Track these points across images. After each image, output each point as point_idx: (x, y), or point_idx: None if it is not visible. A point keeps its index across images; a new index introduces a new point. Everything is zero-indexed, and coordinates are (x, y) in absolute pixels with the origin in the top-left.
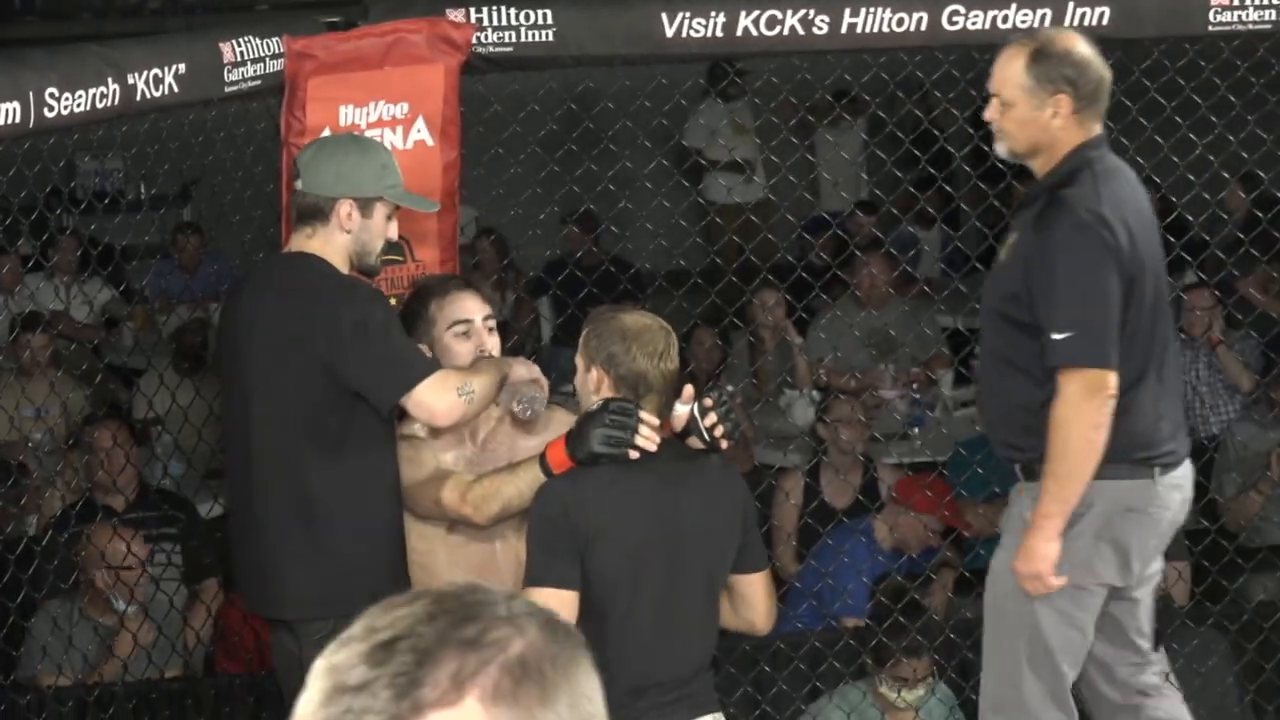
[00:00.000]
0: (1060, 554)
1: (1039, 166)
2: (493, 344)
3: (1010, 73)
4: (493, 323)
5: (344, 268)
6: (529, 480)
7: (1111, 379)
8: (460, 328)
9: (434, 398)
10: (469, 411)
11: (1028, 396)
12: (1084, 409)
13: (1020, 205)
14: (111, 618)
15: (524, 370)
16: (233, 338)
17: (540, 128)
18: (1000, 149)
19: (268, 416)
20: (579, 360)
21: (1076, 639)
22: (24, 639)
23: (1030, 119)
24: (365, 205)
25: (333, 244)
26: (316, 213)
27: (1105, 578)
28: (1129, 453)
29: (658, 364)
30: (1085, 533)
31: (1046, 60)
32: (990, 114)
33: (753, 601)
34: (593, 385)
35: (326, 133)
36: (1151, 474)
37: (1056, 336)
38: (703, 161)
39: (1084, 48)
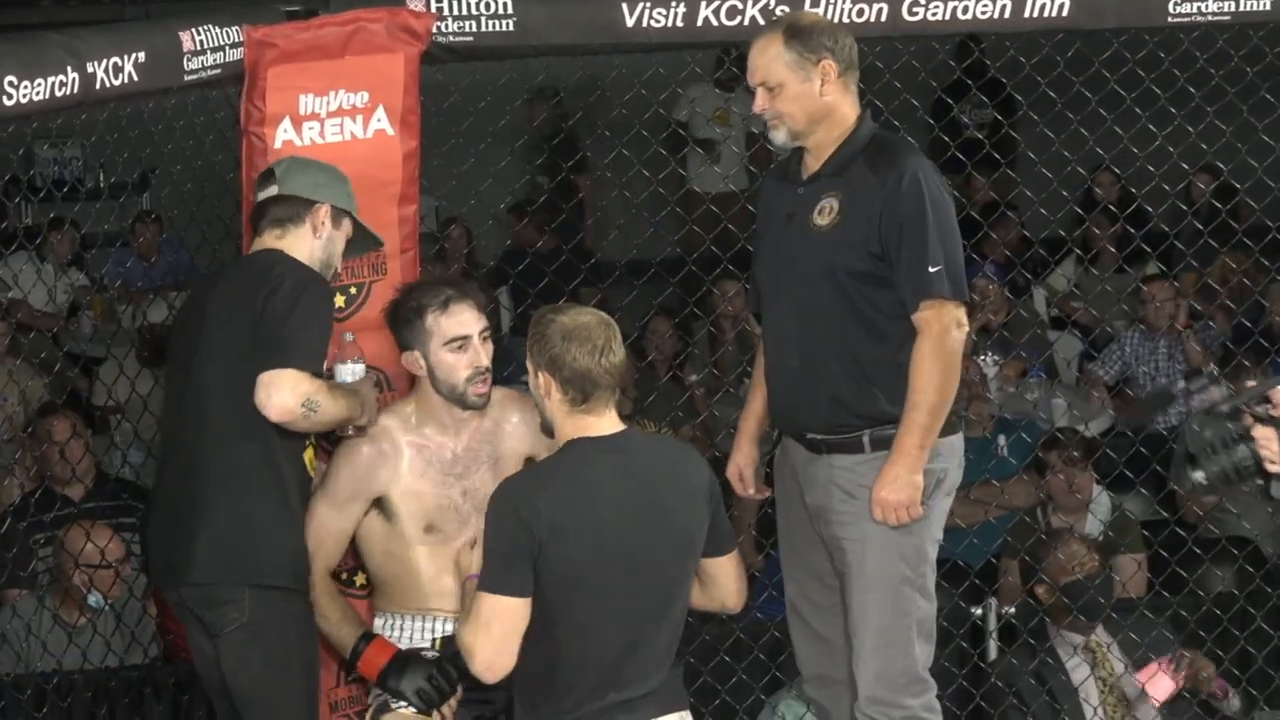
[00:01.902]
0: (934, 514)
1: (819, 140)
2: (486, 354)
3: (770, 57)
4: (487, 333)
5: None
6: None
7: (965, 315)
8: (457, 343)
9: (281, 391)
10: (300, 424)
11: (875, 351)
12: (958, 340)
13: (825, 175)
14: (74, 614)
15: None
16: (190, 318)
17: (500, 117)
18: (778, 136)
19: (206, 381)
20: (529, 365)
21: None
22: None
23: (802, 92)
24: (337, 216)
25: (302, 246)
26: (293, 215)
27: (945, 523)
28: (961, 408)
29: (599, 360)
30: (941, 488)
31: (802, 34)
32: (760, 104)
33: (723, 583)
34: (542, 389)
35: (287, 122)
36: (963, 425)
37: (933, 269)
38: (681, 131)
39: (826, 19)
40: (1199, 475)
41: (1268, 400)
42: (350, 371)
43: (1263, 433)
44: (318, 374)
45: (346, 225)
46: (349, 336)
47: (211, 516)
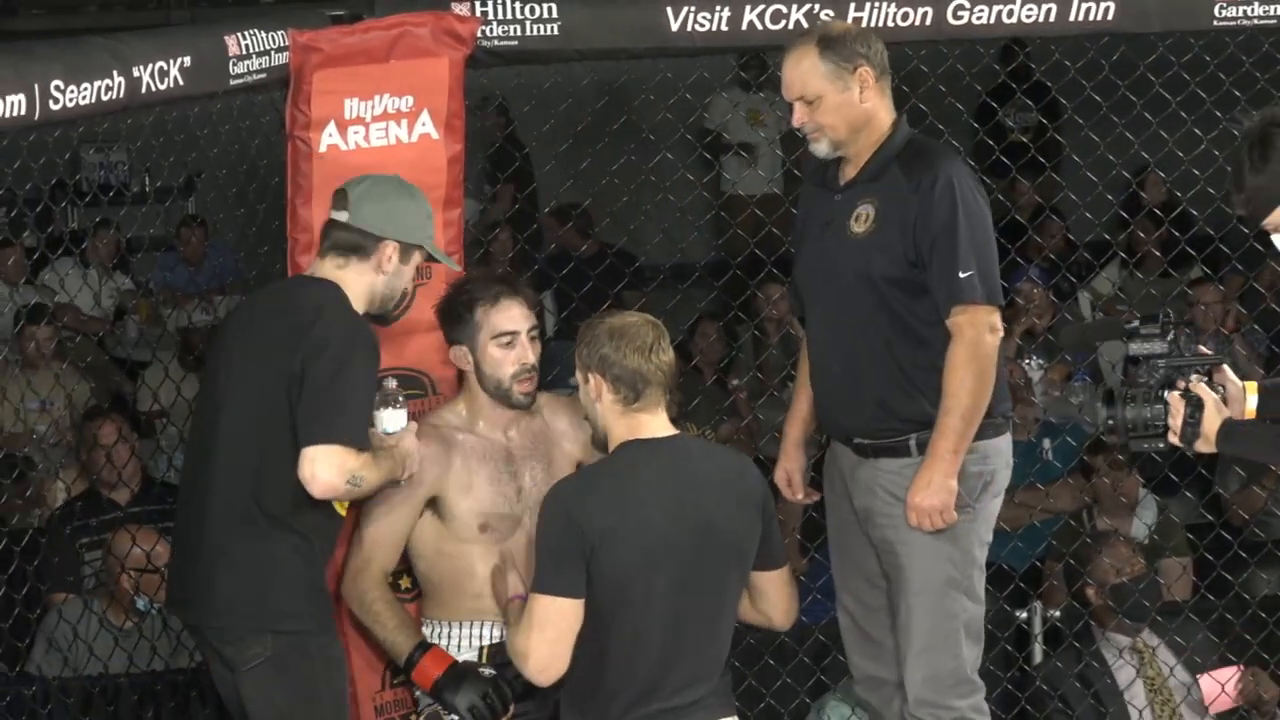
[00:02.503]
0: (982, 516)
1: (860, 148)
2: (534, 353)
3: (805, 69)
4: (536, 332)
5: (362, 308)
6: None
7: (999, 319)
8: (505, 339)
9: (326, 467)
10: (344, 498)
11: (916, 356)
12: (991, 345)
13: (861, 181)
14: (121, 617)
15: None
16: (228, 337)
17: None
18: (820, 149)
19: (234, 417)
20: (578, 374)
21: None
22: (30, 631)
23: (843, 102)
24: (406, 252)
25: (363, 281)
26: (358, 248)
27: (994, 525)
28: (1008, 410)
29: (650, 358)
30: (989, 490)
31: (835, 43)
32: (799, 118)
33: (771, 598)
34: (594, 393)
35: (332, 126)
36: (1011, 427)
37: (963, 275)
38: (725, 136)
39: (856, 25)
40: (1105, 414)
41: (1210, 374)
42: (391, 419)
43: (1176, 402)
44: (364, 447)
45: (417, 256)
46: (391, 383)
47: (228, 556)
